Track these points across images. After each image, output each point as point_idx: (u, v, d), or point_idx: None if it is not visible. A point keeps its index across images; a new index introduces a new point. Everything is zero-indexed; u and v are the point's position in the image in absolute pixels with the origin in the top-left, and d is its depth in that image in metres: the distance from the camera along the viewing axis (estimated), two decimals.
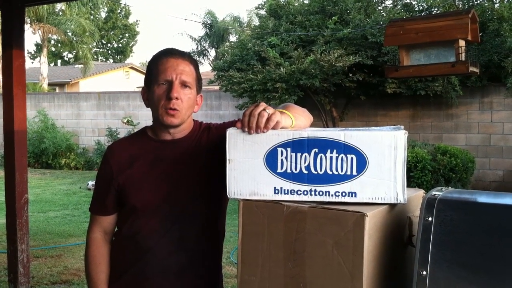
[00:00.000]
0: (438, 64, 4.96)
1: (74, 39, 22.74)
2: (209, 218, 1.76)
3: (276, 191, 1.29)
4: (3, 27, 4.00)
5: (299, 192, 1.28)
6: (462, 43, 4.81)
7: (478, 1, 11.19)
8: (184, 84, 1.68)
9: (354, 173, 1.25)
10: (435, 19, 5.18)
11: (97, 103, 15.23)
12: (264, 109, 1.34)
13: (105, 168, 1.78)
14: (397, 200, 1.24)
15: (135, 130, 2.02)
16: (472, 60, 5.16)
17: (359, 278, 1.15)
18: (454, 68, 4.89)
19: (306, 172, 1.27)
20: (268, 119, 1.32)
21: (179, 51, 1.75)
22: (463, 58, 4.82)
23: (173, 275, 1.70)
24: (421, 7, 11.48)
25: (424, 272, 1.10)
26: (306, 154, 1.27)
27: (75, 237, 6.63)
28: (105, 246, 1.79)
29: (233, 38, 25.39)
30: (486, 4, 10.72)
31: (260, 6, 14.28)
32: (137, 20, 44.54)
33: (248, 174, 1.30)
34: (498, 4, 10.83)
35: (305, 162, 1.27)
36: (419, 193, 1.43)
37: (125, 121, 13.19)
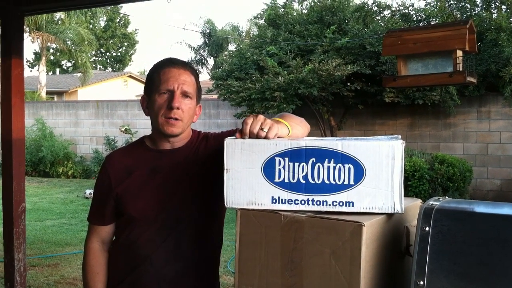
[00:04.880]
0: (435, 74, 4.98)
1: (73, 47, 22.77)
2: (206, 227, 1.76)
3: (274, 201, 1.29)
4: (2, 36, 4.00)
5: (296, 202, 1.28)
6: (459, 53, 4.83)
7: (476, 11, 11.24)
8: (185, 94, 1.69)
9: (352, 182, 1.25)
10: (433, 29, 5.20)
11: (95, 112, 15.23)
12: (261, 128, 1.34)
13: (103, 178, 1.78)
14: (394, 209, 1.24)
15: (133, 139, 2.01)
16: (469, 70, 5.18)
17: (357, 287, 1.15)
18: (451, 78, 4.90)
19: (303, 181, 1.27)
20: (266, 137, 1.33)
21: (181, 61, 1.76)
22: (461, 68, 4.84)
23: (169, 284, 1.70)
24: (419, 17, 11.54)
25: (422, 282, 1.10)
26: (304, 163, 1.27)
27: (72, 246, 6.61)
28: (103, 256, 1.79)
29: (231, 47, 25.45)
30: (484, 14, 10.76)
31: (258, 16, 14.33)
32: (136, 29, 44.57)
33: (245, 183, 1.30)
34: (496, 14, 10.88)
35: (302, 172, 1.27)
36: (417, 203, 1.43)
37: (123, 129, 13.17)
